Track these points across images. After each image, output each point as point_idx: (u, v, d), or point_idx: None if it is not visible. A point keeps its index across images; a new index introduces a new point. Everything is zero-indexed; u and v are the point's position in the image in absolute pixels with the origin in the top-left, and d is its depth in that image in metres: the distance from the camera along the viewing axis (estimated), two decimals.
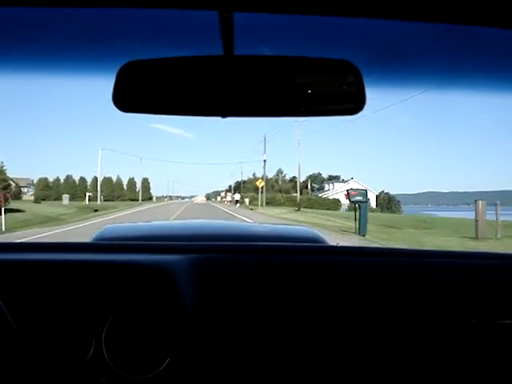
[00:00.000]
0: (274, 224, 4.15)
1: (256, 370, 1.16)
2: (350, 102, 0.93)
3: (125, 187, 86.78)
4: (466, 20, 0.76)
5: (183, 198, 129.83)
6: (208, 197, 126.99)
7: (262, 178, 44.42)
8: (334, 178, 71.72)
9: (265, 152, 45.44)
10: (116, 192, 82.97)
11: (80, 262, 1.24)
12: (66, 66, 1.24)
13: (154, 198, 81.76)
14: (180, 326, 1.13)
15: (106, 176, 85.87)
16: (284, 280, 1.22)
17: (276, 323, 1.17)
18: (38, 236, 12.56)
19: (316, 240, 1.98)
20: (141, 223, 2.57)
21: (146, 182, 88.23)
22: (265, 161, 46.57)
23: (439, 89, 1.47)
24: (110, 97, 0.89)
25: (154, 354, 1.14)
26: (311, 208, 40.21)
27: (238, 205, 42.86)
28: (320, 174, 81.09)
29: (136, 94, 0.92)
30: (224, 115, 0.94)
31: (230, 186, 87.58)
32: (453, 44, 1.12)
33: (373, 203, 54.21)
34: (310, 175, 78.24)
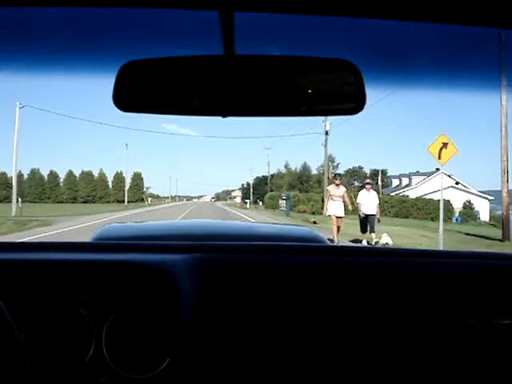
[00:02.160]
0: (274, 224, 4.16)
1: (256, 369, 1.16)
2: (350, 102, 0.93)
3: (110, 185, 68.23)
4: (466, 20, 0.76)
5: (190, 198, 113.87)
6: (217, 197, 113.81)
7: (322, 173, 27.09)
8: (379, 173, 55.06)
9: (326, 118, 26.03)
10: (98, 191, 65.97)
11: (80, 261, 1.24)
12: (66, 66, 1.24)
13: (149, 200, 63.48)
14: (180, 325, 1.13)
15: (85, 170, 67.75)
16: (284, 280, 1.22)
17: (276, 323, 1.17)
18: None
19: (316, 240, 1.98)
20: (141, 223, 2.57)
21: (137, 177, 70.06)
22: (327, 132, 28.35)
23: (439, 88, 1.47)
24: (110, 96, 0.89)
25: (154, 354, 1.14)
26: (405, 217, 26.58)
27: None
28: (361, 168, 62.48)
29: (136, 94, 0.92)
30: (224, 115, 0.94)
31: (247, 184, 69.11)
32: (452, 44, 1.12)
33: (480, 207, 34.29)
34: (349, 169, 61.26)
